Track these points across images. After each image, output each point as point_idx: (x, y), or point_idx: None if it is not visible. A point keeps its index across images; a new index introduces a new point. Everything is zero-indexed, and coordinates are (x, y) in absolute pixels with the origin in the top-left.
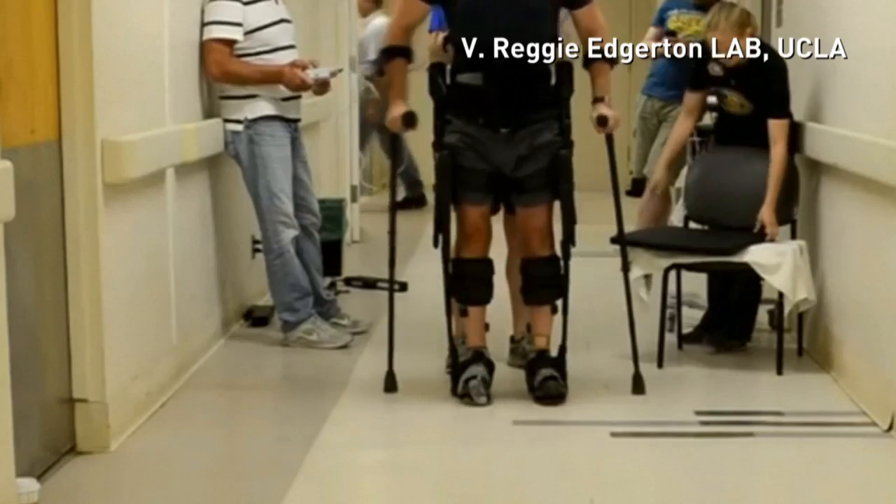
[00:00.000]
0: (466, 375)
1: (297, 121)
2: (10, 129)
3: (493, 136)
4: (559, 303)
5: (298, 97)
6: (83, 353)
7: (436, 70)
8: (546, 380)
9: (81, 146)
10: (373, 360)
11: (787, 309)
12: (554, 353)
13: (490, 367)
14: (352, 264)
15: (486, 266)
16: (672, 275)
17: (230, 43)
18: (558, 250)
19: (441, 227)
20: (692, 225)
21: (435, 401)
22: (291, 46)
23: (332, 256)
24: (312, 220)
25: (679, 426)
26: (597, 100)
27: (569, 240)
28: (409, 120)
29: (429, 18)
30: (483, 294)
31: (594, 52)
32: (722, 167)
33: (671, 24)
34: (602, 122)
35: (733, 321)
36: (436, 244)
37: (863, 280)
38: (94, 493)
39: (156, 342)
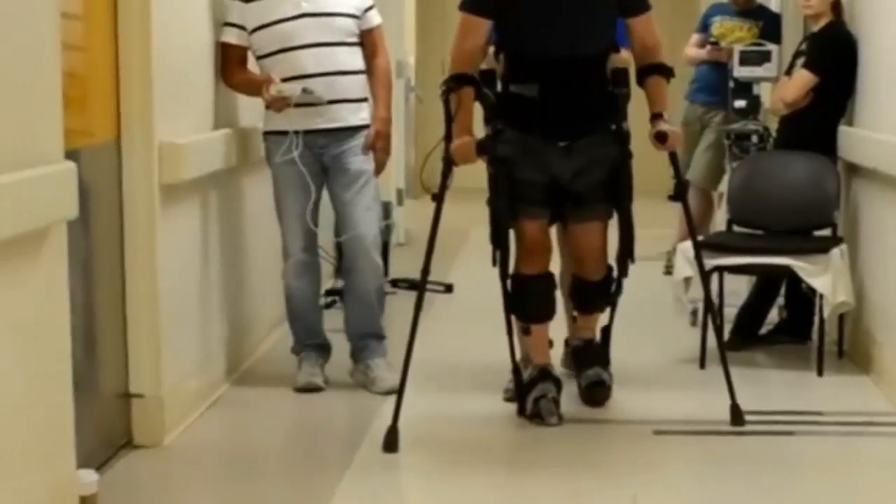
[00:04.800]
0: (536, 394)
1: (322, 132)
2: (72, 131)
3: (550, 148)
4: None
5: (317, 104)
6: (140, 349)
7: (484, 78)
8: (592, 385)
9: (139, 148)
10: (428, 354)
11: (826, 312)
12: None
13: (558, 385)
14: (398, 266)
15: (548, 281)
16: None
17: (229, 47)
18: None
19: (499, 244)
20: (735, 229)
21: (480, 400)
22: (316, 45)
23: None
24: (357, 250)
25: (721, 425)
26: (655, 116)
27: (627, 255)
28: (483, 147)
29: None
30: (546, 311)
31: (650, 66)
32: (765, 171)
33: (715, 31)
34: (661, 138)
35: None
36: (494, 262)
37: None
38: (149, 486)
39: (208, 340)
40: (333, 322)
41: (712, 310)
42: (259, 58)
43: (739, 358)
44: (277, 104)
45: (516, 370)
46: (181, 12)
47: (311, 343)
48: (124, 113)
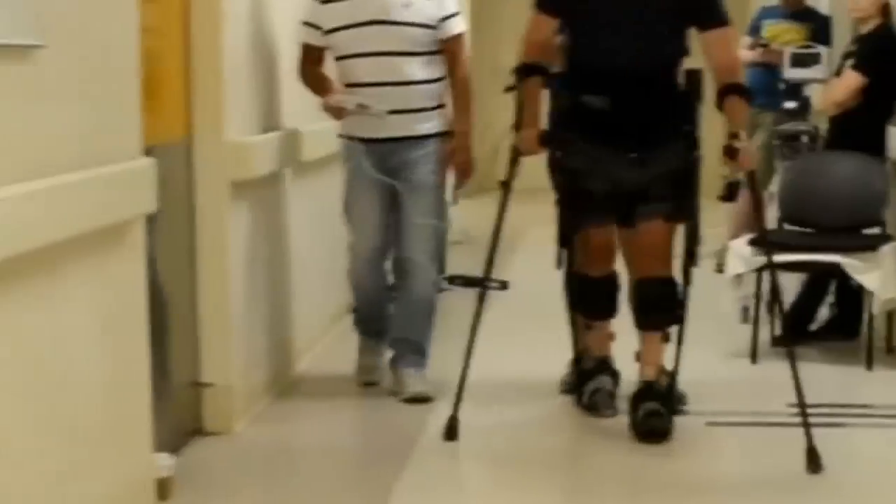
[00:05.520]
0: (592, 387)
1: (385, 140)
2: (149, 130)
3: (621, 159)
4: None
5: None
6: (211, 340)
7: (558, 81)
8: (650, 415)
9: (210, 146)
10: (483, 348)
11: (875, 308)
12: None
13: (615, 377)
14: (454, 264)
15: (612, 281)
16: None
17: (304, 46)
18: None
19: (564, 245)
20: (786, 227)
21: (536, 392)
22: (378, 54)
23: None
24: (409, 259)
25: (771, 416)
26: (731, 135)
27: (690, 260)
28: (546, 139)
29: None
30: (609, 309)
31: (730, 88)
32: (815, 171)
33: (766, 33)
34: (730, 154)
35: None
36: (559, 264)
37: None
38: (221, 471)
39: (273, 332)
40: None
41: (779, 299)
42: (335, 59)
43: (789, 353)
44: (334, 113)
45: (577, 359)
46: (248, 18)
47: (371, 327)
48: (196, 113)
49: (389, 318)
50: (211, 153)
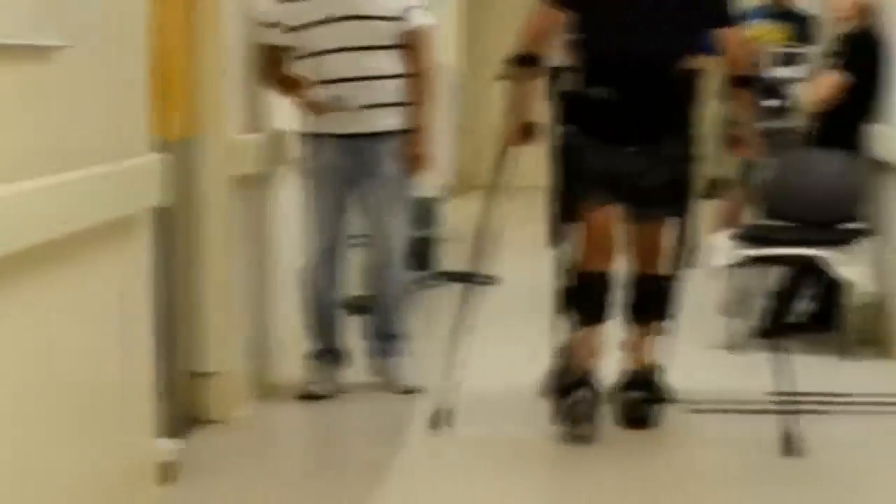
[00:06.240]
0: (572, 400)
1: (354, 136)
2: (158, 129)
3: (619, 150)
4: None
5: (351, 109)
6: (214, 329)
7: (556, 75)
8: (635, 403)
9: (211, 144)
10: (472, 352)
11: (852, 300)
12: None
13: (596, 394)
14: (443, 260)
15: (606, 281)
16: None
17: (268, 47)
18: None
19: (559, 221)
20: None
21: (522, 388)
22: (346, 49)
23: (422, 252)
24: (380, 253)
25: (752, 404)
26: (734, 123)
27: (685, 261)
28: (529, 131)
29: None
30: (600, 313)
31: (738, 80)
32: (797, 167)
33: (750, 33)
34: (730, 142)
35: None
36: (552, 243)
37: None
38: (224, 457)
39: (266, 325)
40: None
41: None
42: (296, 58)
43: (768, 345)
44: (313, 108)
45: (557, 370)
46: (240, 19)
47: (321, 348)
48: (199, 110)
49: (343, 338)
50: (213, 149)
